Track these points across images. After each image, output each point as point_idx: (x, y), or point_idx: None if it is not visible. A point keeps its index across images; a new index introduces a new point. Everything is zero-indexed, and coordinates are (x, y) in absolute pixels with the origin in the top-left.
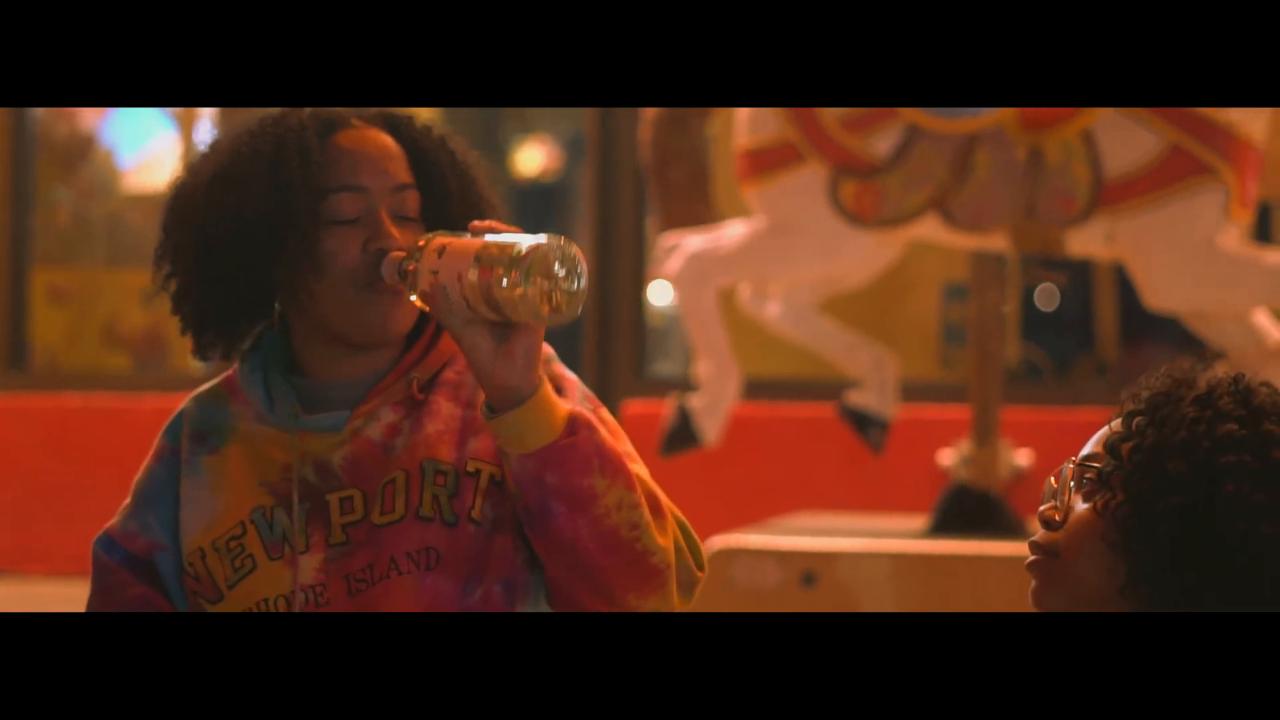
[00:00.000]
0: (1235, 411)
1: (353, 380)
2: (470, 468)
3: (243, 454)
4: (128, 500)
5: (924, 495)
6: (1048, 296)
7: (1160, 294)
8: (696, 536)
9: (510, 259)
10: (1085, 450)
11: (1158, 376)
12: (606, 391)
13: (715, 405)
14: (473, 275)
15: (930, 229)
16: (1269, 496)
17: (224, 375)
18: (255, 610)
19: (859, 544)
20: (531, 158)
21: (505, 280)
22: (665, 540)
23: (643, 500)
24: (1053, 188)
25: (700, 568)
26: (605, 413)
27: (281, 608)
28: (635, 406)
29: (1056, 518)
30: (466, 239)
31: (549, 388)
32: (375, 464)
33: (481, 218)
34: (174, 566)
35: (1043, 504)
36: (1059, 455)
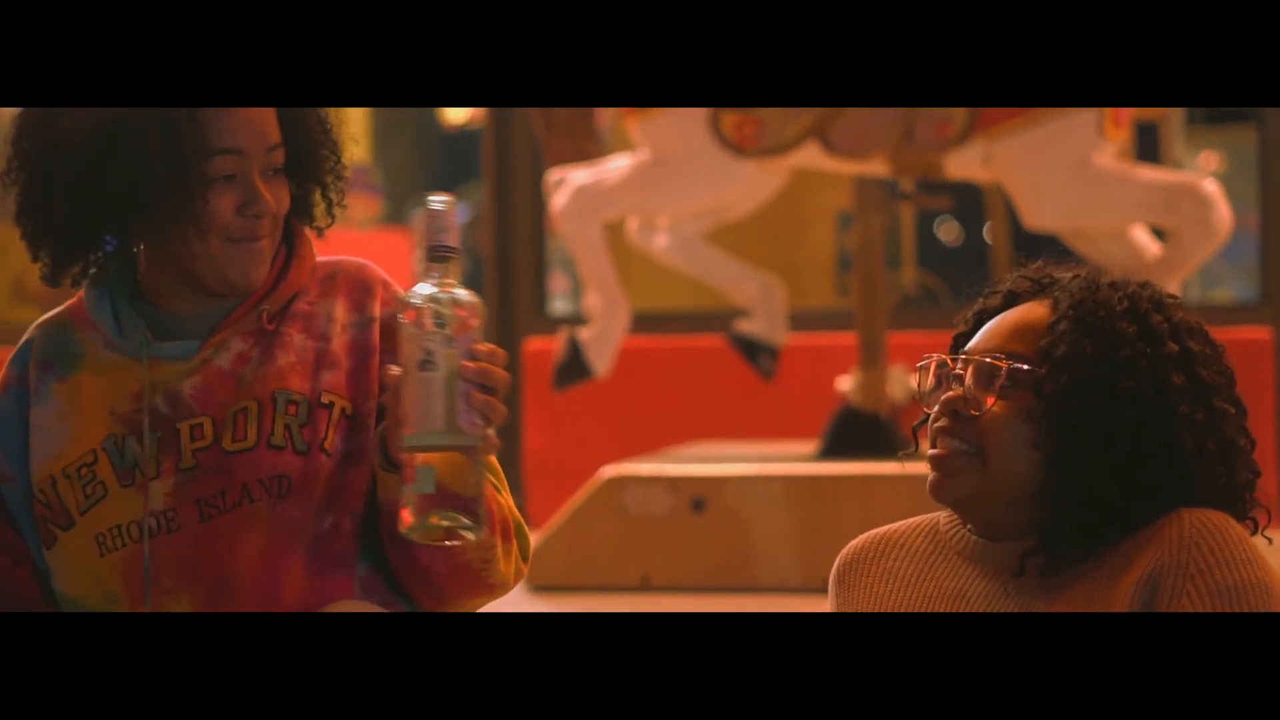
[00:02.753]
0: (1170, 329)
1: (202, 311)
2: (324, 399)
3: (92, 381)
4: None
5: (822, 423)
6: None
7: (1038, 213)
8: (527, 532)
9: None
10: (998, 347)
11: (1072, 281)
12: (508, 329)
13: (605, 337)
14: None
15: (811, 157)
16: (1206, 414)
17: (68, 303)
18: (107, 535)
19: (747, 469)
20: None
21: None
22: (508, 565)
23: (499, 540)
24: (929, 112)
25: (525, 561)
26: None
27: (134, 534)
28: (536, 343)
29: (973, 412)
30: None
31: None
32: (225, 392)
33: (334, 164)
34: (23, 496)
35: (935, 391)
36: None
